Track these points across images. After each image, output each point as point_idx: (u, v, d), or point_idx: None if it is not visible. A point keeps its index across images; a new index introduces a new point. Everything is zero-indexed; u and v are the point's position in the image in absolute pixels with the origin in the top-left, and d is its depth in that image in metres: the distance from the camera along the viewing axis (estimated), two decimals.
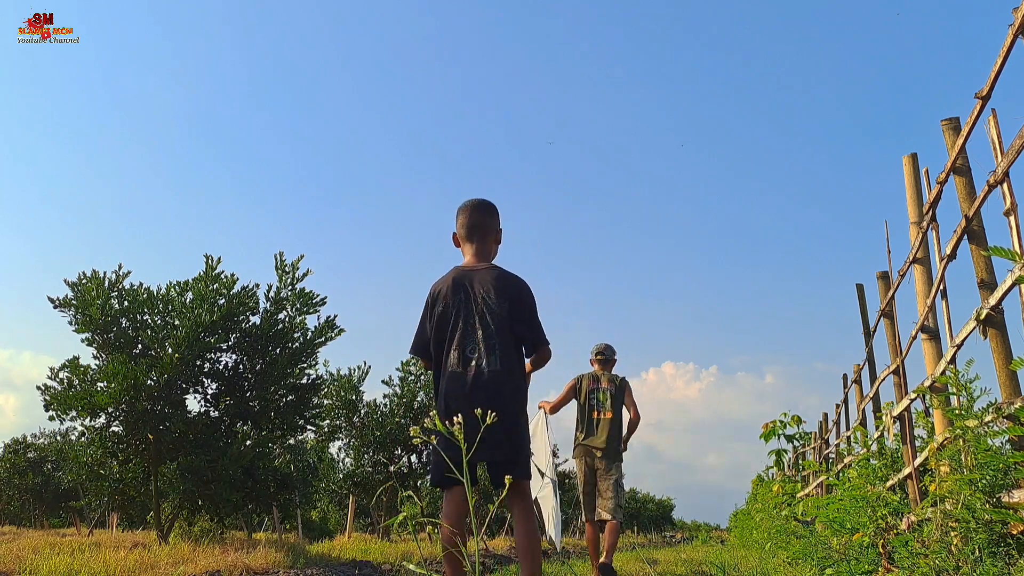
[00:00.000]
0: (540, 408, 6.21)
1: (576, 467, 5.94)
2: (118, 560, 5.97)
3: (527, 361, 3.17)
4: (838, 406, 8.58)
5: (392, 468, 13.53)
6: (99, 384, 7.93)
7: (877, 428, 5.72)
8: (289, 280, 8.94)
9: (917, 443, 4.46)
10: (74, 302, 8.08)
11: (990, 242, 3.44)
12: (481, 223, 3.20)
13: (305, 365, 9.07)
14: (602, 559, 5.54)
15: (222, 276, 8.41)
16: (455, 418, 1.75)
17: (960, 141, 3.61)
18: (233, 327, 8.62)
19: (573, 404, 6.05)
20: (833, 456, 9.19)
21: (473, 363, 2.96)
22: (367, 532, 17.56)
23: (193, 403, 11.08)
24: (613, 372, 6.02)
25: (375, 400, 14.00)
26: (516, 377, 3.02)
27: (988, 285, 3.35)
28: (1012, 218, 2.96)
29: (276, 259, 8.93)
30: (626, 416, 5.89)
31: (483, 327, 3.00)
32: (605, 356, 6.06)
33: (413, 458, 13.97)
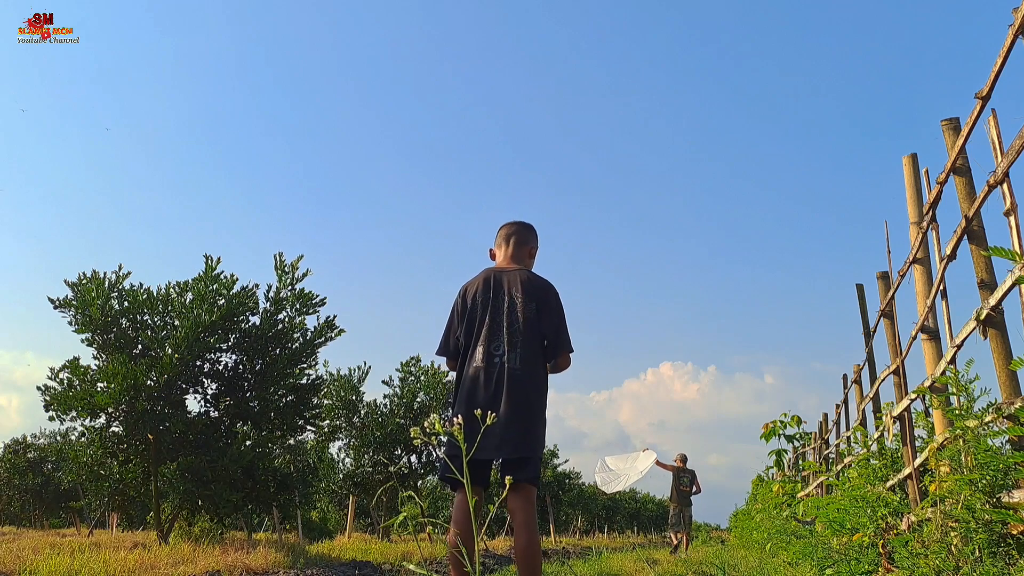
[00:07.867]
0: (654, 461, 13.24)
1: (671, 510, 13.38)
2: (118, 560, 5.97)
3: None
4: (838, 406, 8.57)
5: (392, 468, 13.52)
6: (99, 384, 7.91)
7: (877, 428, 5.72)
8: (289, 280, 8.92)
9: (917, 443, 4.46)
10: (74, 302, 8.07)
11: (990, 242, 3.43)
12: (518, 232, 3.36)
13: (305, 365, 9.06)
14: (683, 552, 12.28)
15: (222, 276, 8.40)
16: (456, 419, 1.75)
17: (960, 141, 3.61)
18: (233, 327, 8.61)
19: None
20: (833, 456, 9.18)
21: (496, 360, 2.99)
22: (367, 532, 17.54)
23: (193, 403, 11.09)
24: (687, 466, 13.55)
25: (375, 400, 13.98)
26: (538, 377, 3.04)
27: (988, 285, 3.35)
28: (1012, 218, 2.95)
29: (276, 259, 8.91)
30: (694, 488, 13.60)
31: (509, 325, 3.03)
32: (685, 459, 13.47)
33: (413, 458, 13.95)
